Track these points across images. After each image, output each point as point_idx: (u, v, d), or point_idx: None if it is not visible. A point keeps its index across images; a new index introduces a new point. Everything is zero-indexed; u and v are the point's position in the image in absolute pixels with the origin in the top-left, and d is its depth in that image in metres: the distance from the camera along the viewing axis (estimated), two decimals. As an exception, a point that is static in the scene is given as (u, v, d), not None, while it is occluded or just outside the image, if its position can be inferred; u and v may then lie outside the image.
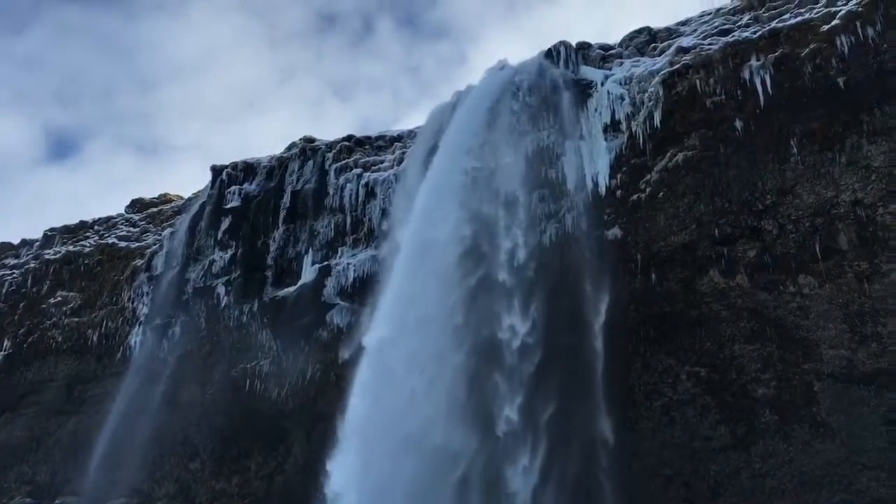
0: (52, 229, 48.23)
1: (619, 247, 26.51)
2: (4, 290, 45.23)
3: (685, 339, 25.26)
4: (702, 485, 24.02)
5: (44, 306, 42.56)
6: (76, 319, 41.04)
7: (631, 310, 26.18)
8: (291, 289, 34.44)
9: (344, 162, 35.80)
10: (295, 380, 32.81)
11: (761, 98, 24.76)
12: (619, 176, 27.04)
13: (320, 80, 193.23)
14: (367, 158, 35.59)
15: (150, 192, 48.25)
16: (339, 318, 32.56)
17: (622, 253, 26.43)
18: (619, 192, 26.89)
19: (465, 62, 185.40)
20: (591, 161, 27.82)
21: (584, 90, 29.19)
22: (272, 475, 32.26)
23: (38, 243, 48.39)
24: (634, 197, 26.51)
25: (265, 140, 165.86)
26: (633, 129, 27.21)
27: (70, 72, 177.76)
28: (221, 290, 36.46)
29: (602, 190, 27.19)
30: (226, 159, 41.82)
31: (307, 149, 37.22)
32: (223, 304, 36.14)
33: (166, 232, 41.23)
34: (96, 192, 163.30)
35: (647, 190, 26.26)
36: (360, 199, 34.46)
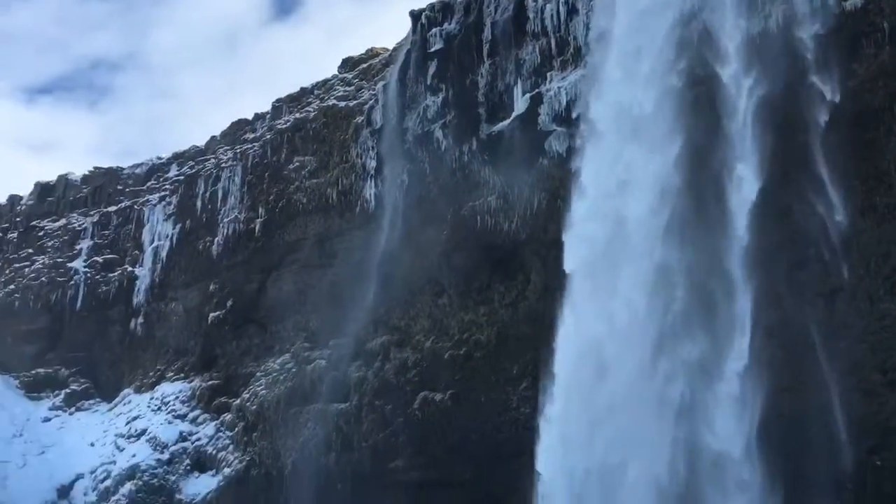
0: (278, 100, 51.39)
1: (860, 16, 23.54)
2: (250, 163, 49.37)
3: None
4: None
5: (285, 173, 46.01)
6: (315, 181, 44.04)
7: (879, 86, 23.55)
8: (506, 122, 34.43)
9: (540, -18, 34.16)
10: (523, 211, 33.37)
11: None
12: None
13: None
14: (565, -27, 33.65)
15: (377, 32, 48.83)
16: (558, 144, 32.27)
17: (864, 24, 23.49)
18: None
19: None
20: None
21: None
22: (515, 303, 33.74)
23: (268, 115, 51.89)
24: (875, -43, 23.12)
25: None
26: None
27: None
28: (439, 133, 37.24)
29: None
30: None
31: (500, -25, 35.88)
32: (443, 148, 37.01)
33: (379, 85, 42.32)
34: (323, 43, 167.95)
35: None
36: (561, 18, 33.04)
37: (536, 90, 33.34)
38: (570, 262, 28.18)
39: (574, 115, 31.09)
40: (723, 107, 25.52)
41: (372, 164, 41.21)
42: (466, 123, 36.03)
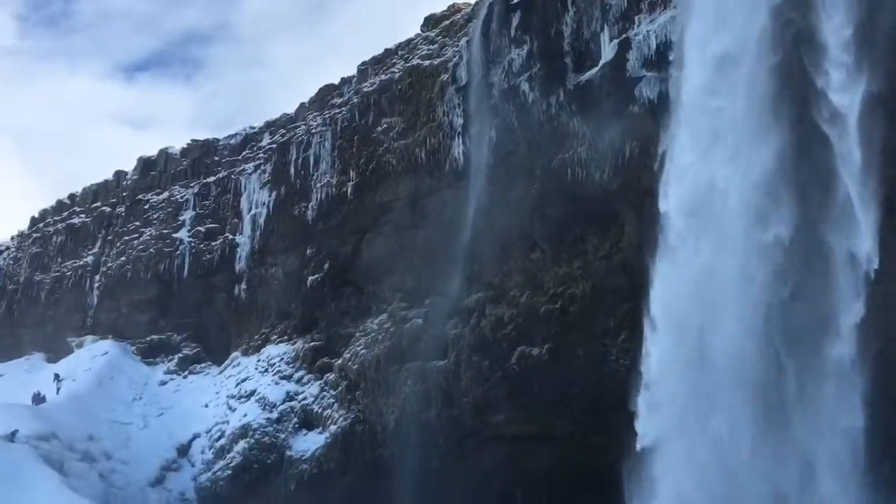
0: (363, 63, 51.64)
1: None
2: (339, 128, 49.96)
3: None
4: None
5: (374, 135, 46.37)
6: (403, 142, 44.24)
7: None
8: (594, 71, 33.60)
9: (623, -80, 32.89)
10: (614, 161, 32.67)
11: None
12: None
13: None
14: None
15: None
16: (649, 90, 31.29)
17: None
18: None
19: None
20: None
21: None
22: (610, 255, 33.27)
23: (354, 78, 52.26)
24: None
25: None
26: None
27: None
28: (525, 87, 36.70)
29: None
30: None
31: (581, -83, 34.74)
32: (530, 101, 36.49)
33: (462, 42, 41.94)
34: (405, 2, 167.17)
35: None
36: (648, -42, 31.82)
37: (624, 35, 32.33)
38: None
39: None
40: (824, 117, 23.06)
41: (459, 121, 41.07)
42: (553, 75, 35.37)
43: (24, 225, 78.81)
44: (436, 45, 45.48)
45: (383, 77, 47.81)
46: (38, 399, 48.90)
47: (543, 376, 34.81)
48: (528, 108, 36.47)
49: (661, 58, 30.31)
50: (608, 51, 32.94)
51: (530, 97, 36.34)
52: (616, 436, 27.35)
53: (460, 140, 40.83)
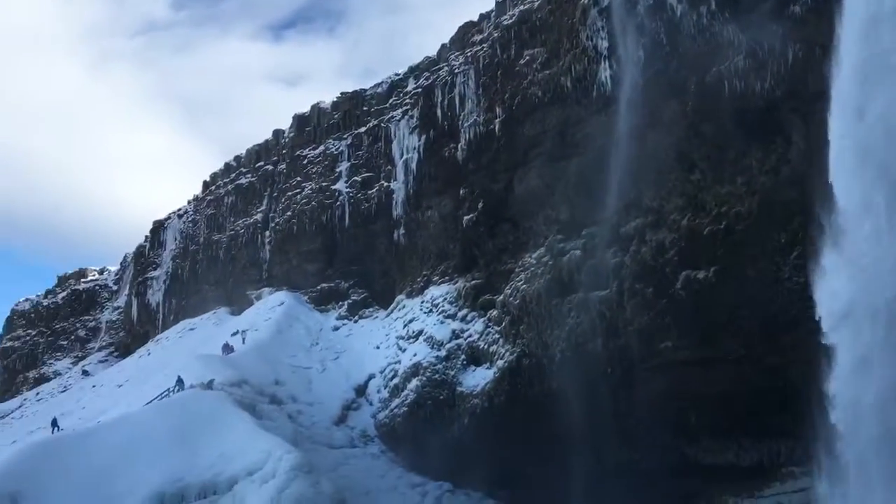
0: (501, -4, 51.02)
1: None
2: (481, 65, 49.73)
3: None
4: None
5: (517, 68, 45.76)
6: (548, 72, 43.35)
7: None
8: (748, -28, 31.51)
9: None
10: (776, 67, 30.59)
11: None
12: None
13: None
14: None
15: None
16: (811, -14, 28.98)
17: None
18: None
19: None
20: None
21: None
22: (777, 168, 31.40)
23: (493, 13, 51.66)
24: None
25: None
26: None
27: None
28: (672, -1, 34.92)
29: None
30: None
31: None
32: (678, 14, 34.71)
33: (602, -40, 40.25)
34: None
35: None
36: None
37: (779, -72, 29.95)
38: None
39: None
40: None
41: (604, 44, 39.67)
42: (702, -18, 33.41)
43: (198, 189, 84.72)
44: (573, -32, 43.90)
45: (522, 7, 46.92)
46: (228, 349, 52.98)
47: (711, 299, 33.67)
48: (676, 21, 34.71)
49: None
50: (762, -52, 30.63)
51: (679, 10, 34.53)
52: (795, 354, 26.23)
53: (606, 64, 39.48)
